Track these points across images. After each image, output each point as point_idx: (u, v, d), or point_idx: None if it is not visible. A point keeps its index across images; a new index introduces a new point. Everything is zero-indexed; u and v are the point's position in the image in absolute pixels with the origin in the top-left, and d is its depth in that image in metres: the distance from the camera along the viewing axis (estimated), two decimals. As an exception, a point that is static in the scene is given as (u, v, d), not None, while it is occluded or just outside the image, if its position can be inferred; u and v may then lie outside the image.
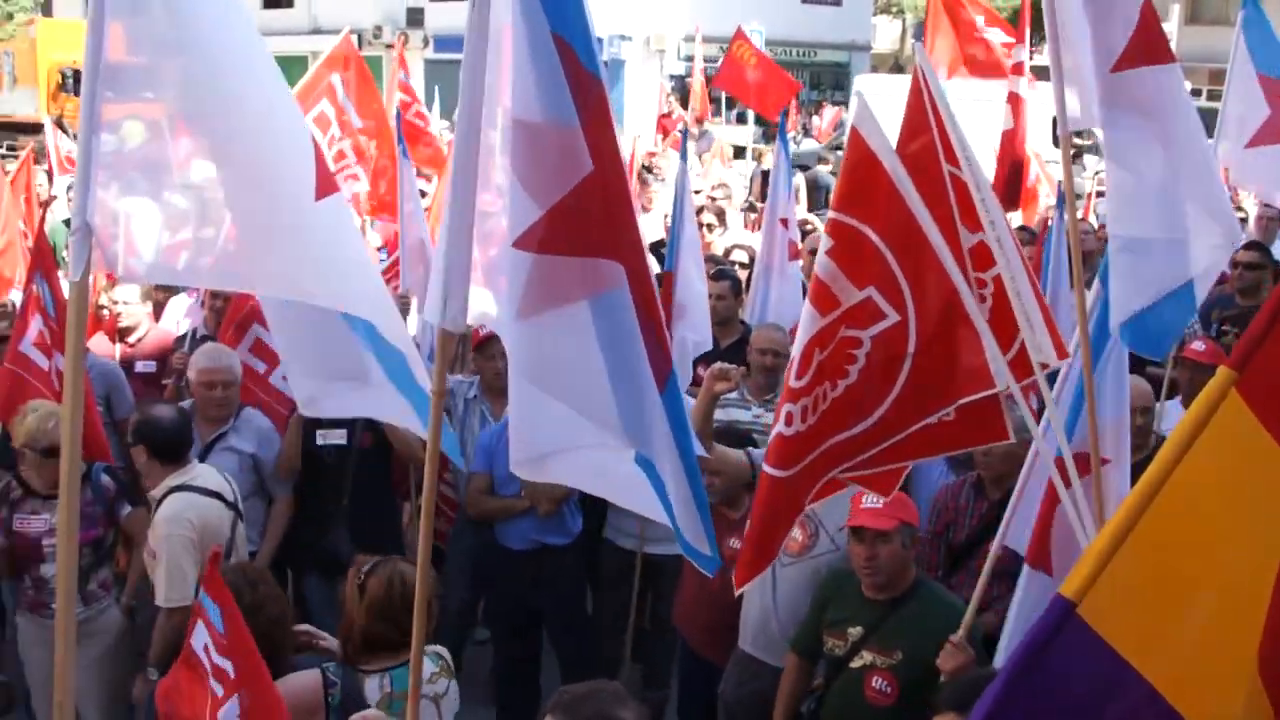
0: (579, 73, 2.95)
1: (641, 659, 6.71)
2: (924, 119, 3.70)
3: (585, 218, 3.02)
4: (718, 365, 5.04)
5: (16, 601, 5.71)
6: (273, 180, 3.07)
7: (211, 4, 2.98)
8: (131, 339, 7.45)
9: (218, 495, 5.23)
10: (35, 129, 16.30)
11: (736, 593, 4.33)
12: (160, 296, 8.37)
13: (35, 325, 5.92)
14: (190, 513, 5.08)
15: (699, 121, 21.25)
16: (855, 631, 4.55)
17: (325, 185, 3.10)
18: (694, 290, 6.95)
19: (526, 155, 3.00)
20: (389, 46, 31.77)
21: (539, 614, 6.21)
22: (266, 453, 6.06)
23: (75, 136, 18.95)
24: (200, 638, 3.24)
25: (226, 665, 3.14)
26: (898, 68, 47.91)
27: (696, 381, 6.55)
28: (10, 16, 33.55)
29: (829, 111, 32.66)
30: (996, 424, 3.82)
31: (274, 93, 3.13)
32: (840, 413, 3.80)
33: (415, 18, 40.57)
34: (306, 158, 3.10)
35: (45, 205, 10.60)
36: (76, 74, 34.46)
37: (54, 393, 5.79)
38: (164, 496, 5.15)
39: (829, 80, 45.59)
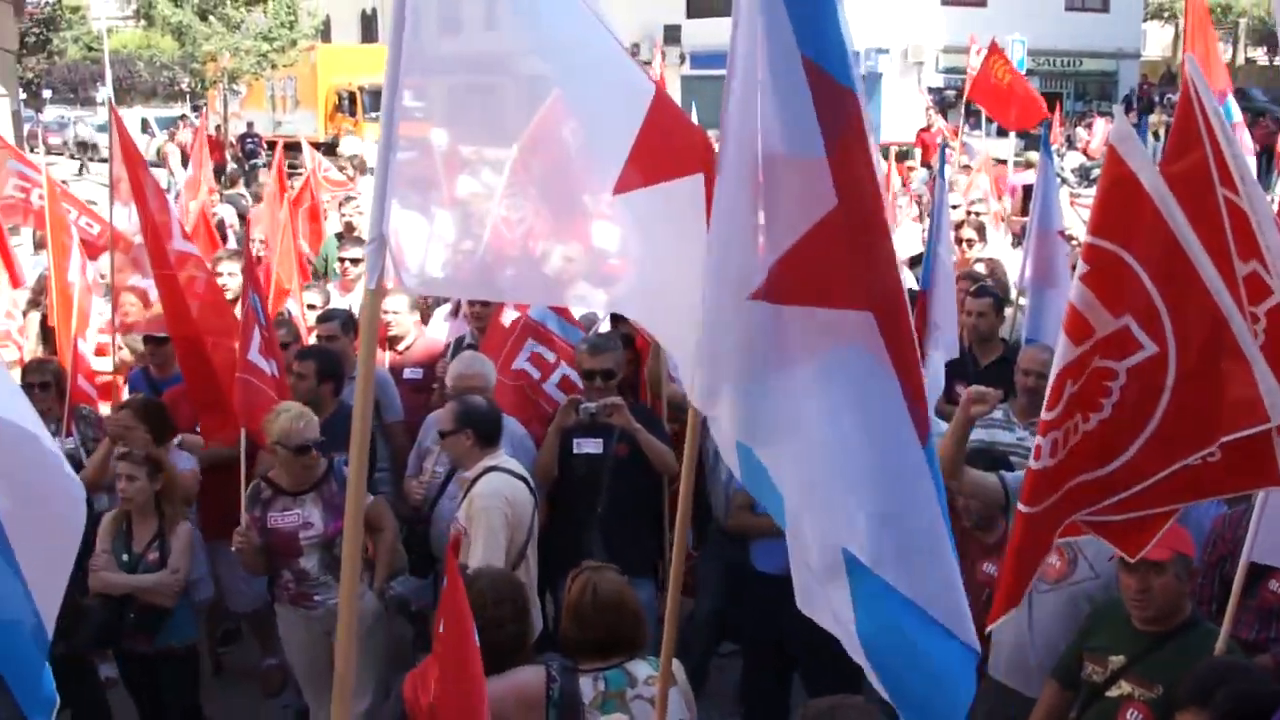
0: (831, 89, 2.79)
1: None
2: (1195, 134, 3.47)
3: (825, 261, 2.85)
4: (975, 388, 4.90)
5: (275, 595, 6.05)
6: (559, 183, 3.08)
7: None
8: (400, 347, 7.77)
9: (524, 480, 5.62)
10: (314, 148, 17.33)
11: (988, 629, 4.13)
12: (426, 306, 8.73)
13: (256, 335, 6.33)
14: (506, 490, 5.49)
15: (955, 134, 20.78)
16: (1116, 660, 4.35)
17: (630, 179, 2.99)
18: (948, 308, 6.78)
19: (770, 193, 2.89)
20: (646, 64, 32.34)
21: (789, 635, 6.13)
22: (520, 457, 6.12)
23: (352, 155, 19.91)
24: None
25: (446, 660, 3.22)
26: (1169, 77, 45.79)
27: (953, 399, 6.40)
28: (294, 43, 35.69)
29: (1099, 124, 31.18)
30: (1268, 467, 3.47)
31: (586, 87, 3.08)
32: (1090, 450, 3.57)
33: (672, 34, 41.16)
34: (610, 152, 3.01)
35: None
36: (351, 95, 36.53)
37: (280, 395, 6.25)
38: (478, 477, 5.53)
39: (1095, 90, 43.93)
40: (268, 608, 7.20)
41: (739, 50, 2.88)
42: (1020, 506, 3.68)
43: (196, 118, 36.34)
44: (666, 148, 3.00)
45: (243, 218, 13.75)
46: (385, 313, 7.78)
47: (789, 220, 2.85)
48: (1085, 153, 28.95)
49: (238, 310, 8.48)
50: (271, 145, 33.83)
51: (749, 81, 2.86)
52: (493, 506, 5.41)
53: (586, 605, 4.11)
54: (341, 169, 16.35)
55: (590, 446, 6.15)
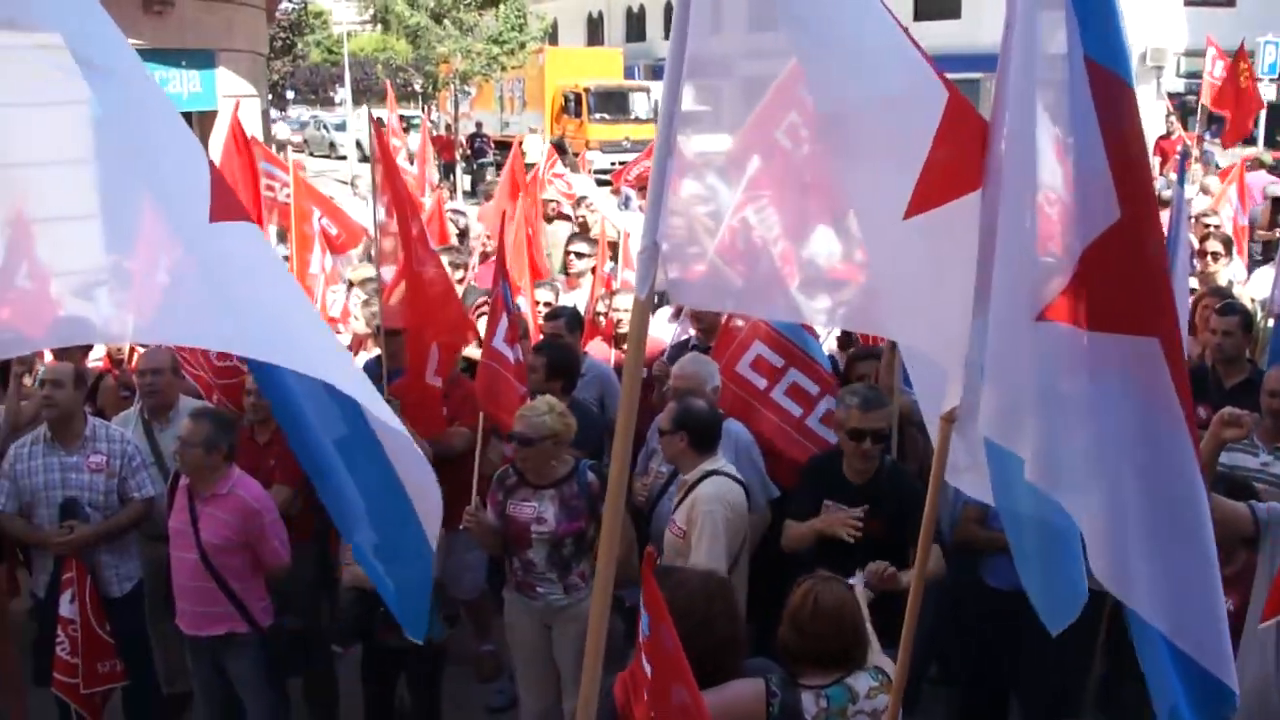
0: (1113, 89, 2.62)
1: (1107, 708, 6.35)
2: None
3: (1108, 280, 2.67)
4: (1229, 410, 4.62)
5: (505, 580, 6.16)
6: (810, 194, 2.99)
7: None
8: (626, 345, 7.83)
9: (743, 485, 5.63)
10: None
11: (1262, 624, 3.89)
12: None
13: (503, 324, 6.51)
14: (728, 494, 5.53)
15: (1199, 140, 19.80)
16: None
17: (920, 202, 2.87)
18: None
19: (1052, 206, 2.74)
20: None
21: (1009, 659, 5.95)
22: (742, 465, 6.12)
23: (575, 155, 20.46)
24: (641, 634, 3.36)
25: (647, 667, 3.22)
26: None
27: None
28: (523, 46, 36.59)
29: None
30: None
31: (862, 108, 2.95)
32: None
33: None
34: (897, 173, 2.90)
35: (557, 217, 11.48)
36: (578, 97, 37.26)
37: (521, 382, 6.45)
38: (699, 480, 5.58)
39: (1357, 97, 41.22)
40: (486, 596, 7.41)
41: (1014, 54, 2.75)
42: None
43: (445, 118, 37.54)
44: (953, 164, 2.84)
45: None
46: (616, 310, 7.90)
47: (1071, 236, 2.70)
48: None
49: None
50: (500, 145, 34.84)
51: (1026, 87, 2.73)
52: (716, 511, 5.43)
53: (805, 614, 4.07)
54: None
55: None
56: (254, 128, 14.49)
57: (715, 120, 2.99)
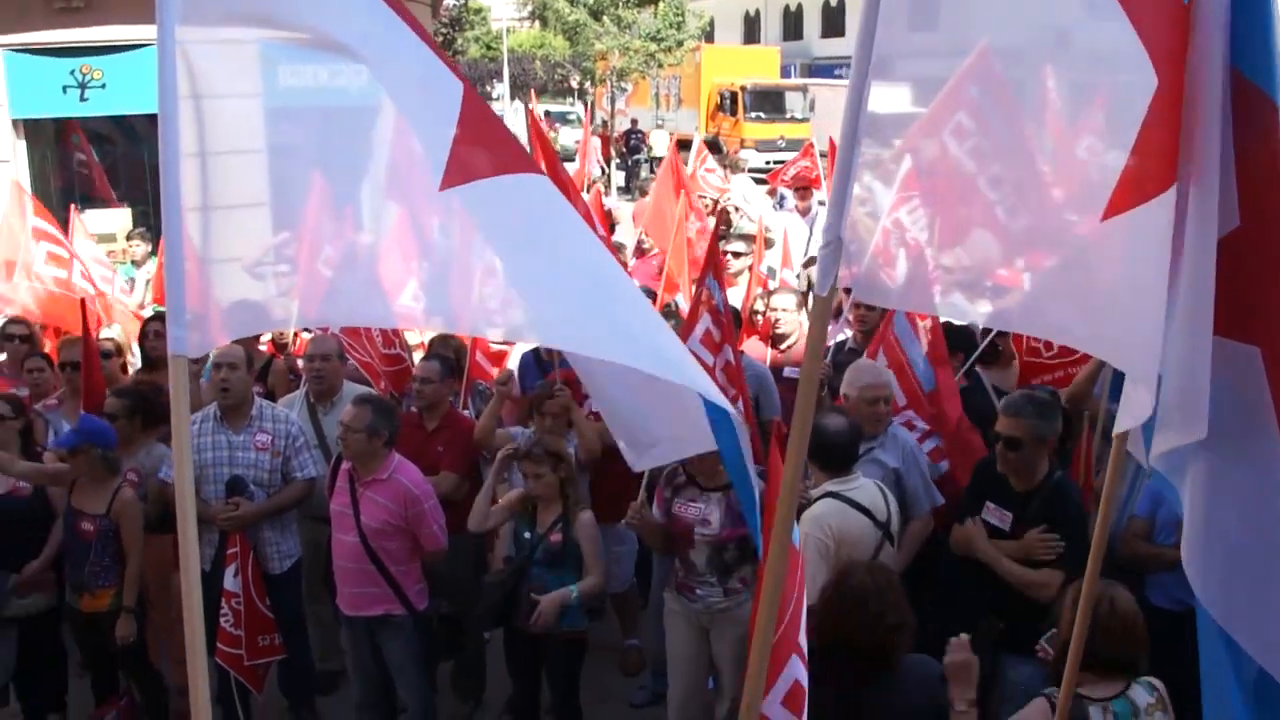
0: (1255, 102, 2.61)
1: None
2: None
3: (1219, 284, 2.67)
4: None
5: (666, 579, 6.12)
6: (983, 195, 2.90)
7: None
8: (783, 345, 7.76)
9: (868, 512, 5.34)
10: (689, 146, 17.70)
11: None
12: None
13: (703, 324, 6.18)
14: (832, 519, 5.26)
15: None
16: None
17: (1119, 202, 2.78)
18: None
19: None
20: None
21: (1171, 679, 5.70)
22: (909, 469, 6.00)
23: (728, 152, 20.42)
24: None
25: None
26: None
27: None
28: (680, 43, 36.69)
29: None
30: None
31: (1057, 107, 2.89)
32: None
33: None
34: (1096, 171, 2.83)
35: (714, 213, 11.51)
36: (734, 95, 37.20)
37: (734, 384, 6.16)
38: (818, 498, 5.37)
39: None
40: (633, 590, 7.41)
41: (1207, 44, 2.67)
42: None
43: (602, 114, 37.76)
44: (1150, 164, 2.72)
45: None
46: (773, 310, 7.82)
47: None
48: None
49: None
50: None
51: (1210, 94, 2.67)
52: (811, 535, 5.19)
53: (1102, 618, 3.89)
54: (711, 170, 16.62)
55: (997, 520, 5.48)
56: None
57: (876, 121, 2.94)
